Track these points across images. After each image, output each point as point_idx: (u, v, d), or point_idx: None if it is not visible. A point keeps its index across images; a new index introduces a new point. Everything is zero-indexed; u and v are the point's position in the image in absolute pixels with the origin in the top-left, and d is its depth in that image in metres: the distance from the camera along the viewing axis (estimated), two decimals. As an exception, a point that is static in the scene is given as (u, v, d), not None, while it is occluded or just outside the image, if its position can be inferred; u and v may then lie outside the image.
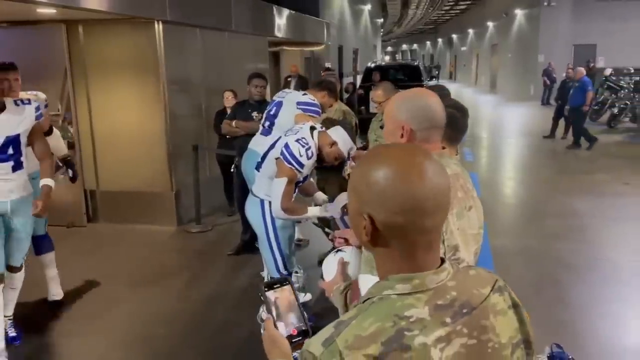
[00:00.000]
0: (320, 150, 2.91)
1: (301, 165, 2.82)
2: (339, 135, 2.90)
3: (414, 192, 0.87)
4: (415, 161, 0.90)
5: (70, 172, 4.08)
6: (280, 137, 3.04)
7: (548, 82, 18.75)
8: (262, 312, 3.46)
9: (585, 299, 4.09)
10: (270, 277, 3.11)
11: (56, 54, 5.61)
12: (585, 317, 3.82)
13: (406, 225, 0.88)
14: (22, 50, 5.46)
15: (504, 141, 12.67)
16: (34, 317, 3.83)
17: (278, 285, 1.16)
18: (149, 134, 5.85)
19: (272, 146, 3.03)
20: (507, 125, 15.70)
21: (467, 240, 1.45)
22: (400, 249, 0.91)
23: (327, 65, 13.16)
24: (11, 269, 3.28)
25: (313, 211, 2.96)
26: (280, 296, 1.15)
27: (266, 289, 1.15)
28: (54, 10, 4.70)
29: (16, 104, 3.10)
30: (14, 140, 3.07)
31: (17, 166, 3.13)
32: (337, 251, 1.76)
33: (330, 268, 1.66)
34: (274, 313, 1.14)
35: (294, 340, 1.12)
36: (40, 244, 3.82)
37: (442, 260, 0.94)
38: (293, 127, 3.08)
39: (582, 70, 10.94)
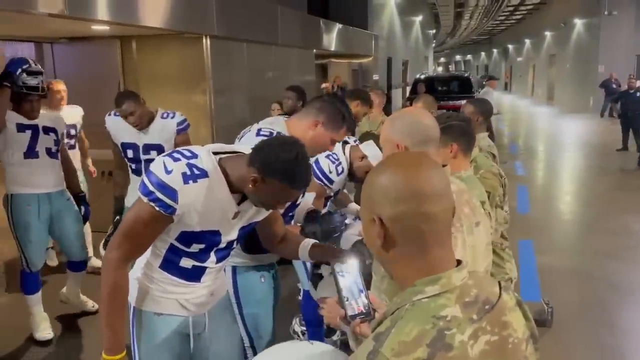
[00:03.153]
0: (350, 164, 2.90)
1: (330, 181, 2.81)
2: (370, 150, 2.88)
3: (411, 179, 0.93)
4: (412, 158, 1.03)
5: (82, 209, 3.72)
6: None
7: (605, 94, 17.97)
8: (295, 324, 3.48)
9: (634, 323, 3.88)
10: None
11: (111, 68, 5.88)
12: (632, 342, 3.62)
13: (409, 212, 0.92)
14: (80, 65, 5.78)
15: (560, 154, 12.22)
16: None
17: (348, 272, 1.34)
18: (196, 145, 6.01)
19: None
20: (565, 138, 15.14)
21: (477, 256, 1.44)
22: (412, 246, 0.93)
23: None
24: None
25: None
26: (349, 280, 1.31)
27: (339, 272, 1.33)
28: (107, 28, 4.95)
29: None
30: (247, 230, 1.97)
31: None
32: (330, 273, 1.61)
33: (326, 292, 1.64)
34: (343, 294, 1.28)
35: (359, 317, 1.25)
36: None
37: (459, 262, 0.96)
38: None
39: None
